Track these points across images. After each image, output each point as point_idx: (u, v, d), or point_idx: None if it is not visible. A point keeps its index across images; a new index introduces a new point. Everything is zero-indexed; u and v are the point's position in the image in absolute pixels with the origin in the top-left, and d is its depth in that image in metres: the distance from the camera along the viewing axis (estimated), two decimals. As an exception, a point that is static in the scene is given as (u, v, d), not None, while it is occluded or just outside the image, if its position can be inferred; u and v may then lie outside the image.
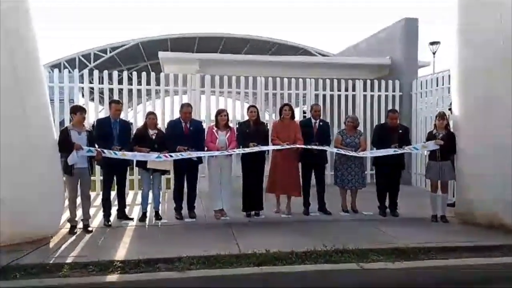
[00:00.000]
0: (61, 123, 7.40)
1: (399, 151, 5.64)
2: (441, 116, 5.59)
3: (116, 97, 7.79)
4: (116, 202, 5.66)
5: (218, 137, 5.55)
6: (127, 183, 7.62)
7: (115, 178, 5.59)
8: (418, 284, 3.62)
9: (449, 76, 6.56)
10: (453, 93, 5.72)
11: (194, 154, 5.35)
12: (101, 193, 5.84)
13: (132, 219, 5.58)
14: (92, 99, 9.73)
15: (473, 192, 5.21)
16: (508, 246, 4.35)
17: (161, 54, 8.78)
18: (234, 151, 5.55)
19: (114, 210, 5.60)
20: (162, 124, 7.34)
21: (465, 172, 5.36)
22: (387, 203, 5.96)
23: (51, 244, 4.40)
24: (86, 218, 5.06)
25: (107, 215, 5.37)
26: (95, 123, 5.75)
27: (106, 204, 5.41)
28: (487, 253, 4.20)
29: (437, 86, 8.14)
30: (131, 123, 8.21)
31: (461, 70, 5.46)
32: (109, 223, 5.28)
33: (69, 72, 7.80)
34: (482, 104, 5.10)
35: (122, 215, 5.59)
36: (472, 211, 5.24)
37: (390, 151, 5.64)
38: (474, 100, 5.23)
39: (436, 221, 5.52)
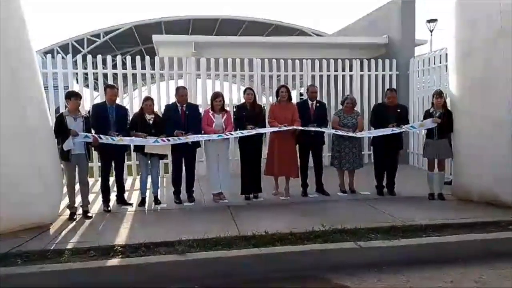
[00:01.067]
0: (57, 110, 7.34)
1: (397, 130, 5.63)
2: (438, 94, 5.56)
3: (110, 82, 7.73)
4: (115, 188, 5.66)
5: (214, 121, 5.53)
6: (126, 168, 7.66)
7: (113, 163, 5.59)
8: (416, 261, 3.67)
9: (446, 54, 6.51)
10: (450, 71, 5.68)
11: (191, 138, 5.34)
12: (99, 179, 5.85)
13: (131, 204, 5.60)
14: (87, 85, 9.64)
15: (470, 170, 5.24)
16: (505, 222, 4.40)
17: (155, 37, 8.65)
18: (231, 134, 5.54)
19: (113, 196, 5.62)
20: (158, 108, 7.30)
21: (462, 150, 5.39)
22: (384, 182, 6.00)
23: (51, 231, 4.43)
24: (85, 204, 5.09)
25: (106, 200, 5.39)
26: (91, 109, 5.70)
27: (105, 190, 5.42)
28: (484, 229, 4.25)
29: (434, 64, 8.08)
30: (127, 109, 8.19)
31: (458, 48, 5.41)
32: (109, 208, 5.31)
33: (63, 58, 7.69)
34: (479, 82, 5.07)
35: (121, 200, 5.60)
36: (469, 189, 5.28)
37: (387, 131, 5.64)
38: (471, 78, 5.20)
39: (433, 199, 5.57)
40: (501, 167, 4.90)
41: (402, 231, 4.17)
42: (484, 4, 4.99)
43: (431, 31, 17.43)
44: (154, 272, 3.45)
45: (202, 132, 5.53)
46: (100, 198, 5.55)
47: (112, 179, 5.64)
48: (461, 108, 5.37)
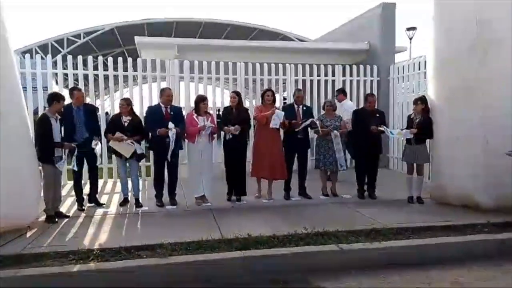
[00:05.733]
0: (35, 111, 7.17)
1: (379, 129, 5.75)
2: (417, 100, 5.72)
3: (91, 83, 7.61)
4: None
5: (198, 123, 5.51)
6: (106, 170, 7.55)
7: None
8: (396, 263, 3.74)
9: (425, 62, 6.69)
10: (429, 78, 5.84)
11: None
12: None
13: (103, 204, 5.59)
14: (67, 86, 9.44)
15: (447, 174, 5.38)
16: (481, 224, 4.53)
17: (137, 38, 8.57)
18: (211, 125, 5.54)
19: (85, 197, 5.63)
20: (140, 111, 7.22)
21: (440, 155, 5.53)
22: (365, 186, 6.09)
23: (28, 234, 4.31)
24: (57, 205, 5.07)
25: (80, 200, 5.43)
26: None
27: (78, 190, 5.46)
28: (461, 231, 4.37)
29: (413, 71, 8.28)
30: (107, 112, 8.07)
31: (436, 56, 5.57)
32: (83, 207, 5.38)
33: (42, 58, 7.52)
34: (455, 89, 5.22)
35: (93, 200, 5.60)
36: (447, 192, 5.42)
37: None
38: (448, 85, 5.36)
39: (412, 203, 5.70)
40: (476, 172, 5.05)
41: (383, 233, 4.25)
42: (462, 13, 5.15)
43: (410, 39, 17.85)
44: (135, 276, 3.39)
45: (185, 135, 5.53)
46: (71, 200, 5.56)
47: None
48: (439, 113, 5.50)
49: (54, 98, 4.89)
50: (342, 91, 7.80)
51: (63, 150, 4.88)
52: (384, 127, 5.85)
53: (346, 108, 7.26)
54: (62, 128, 5.01)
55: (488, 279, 3.48)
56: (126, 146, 5.43)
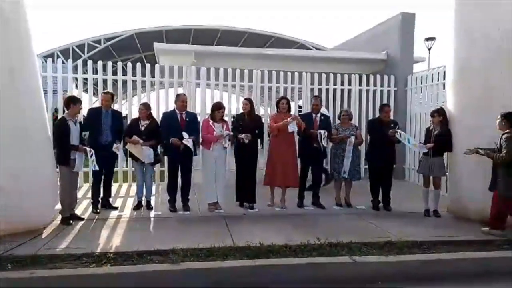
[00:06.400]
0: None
1: (396, 132, 5.68)
2: (435, 112, 5.61)
3: (110, 88, 7.74)
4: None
5: (214, 129, 5.54)
6: (122, 174, 7.65)
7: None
8: (411, 277, 3.65)
9: (444, 72, 6.58)
10: (448, 89, 5.73)
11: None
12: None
13: (116, 208, 5.68)
14: (86, 90, 9.64)
15: (466, 188, 5.25)
16: (500, 241, 4.41)
17: (156, 45, 8.69)
18: (230, 133, 5.57)
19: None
20: (157, 116, 7.30)
21: (459, 168, 5.40)
22: (380, 197, 6.00)
23: (44, 235, 4.38)
24: (73, 207, 5.14)
25: (95, 203, 5.51)
26: (87, 112, 5.80)
27: (94, 193, 5.55)
28: (480, 247, 4.24)
29: (432, 82, 8.15)
30: (125, 116, 8.20)
31: (456, 66, 5.47)
32: (98, 210, 5.44)
33: (63, 62, 7.70)
34: (476, 100, 5.12)
35: (107, 204, 5.68)
36: (465, 206, 5.29)
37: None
38: (469, 96, 5.25)
39: (429, 216, 5.57)
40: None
41: (397, 247, 4.16)
42: (483, 23, 5.06)
43: (429, 49, 17.63)
44: (147, 281, 3.40)
45: (201, 140, 5.58)
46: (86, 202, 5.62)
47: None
48: (458, 124, 5.40)
49: (71, 101, 4.99)
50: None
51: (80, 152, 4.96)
52: (402, 132, 5.76)
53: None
54: (81, 131, 5.11)
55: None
56: (142, 151, 5.51)
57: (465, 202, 5.28)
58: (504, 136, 4.53)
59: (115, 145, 5.44)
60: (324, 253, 3.92)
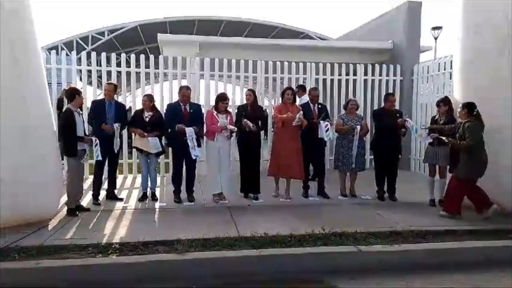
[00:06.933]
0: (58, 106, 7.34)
1: (406, 119, 5.71)
2: (441, 101, 5.55)
3: (114, 80, 7.73)
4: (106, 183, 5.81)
5: (219, 120, 5.52)
6: (127, 166, 7.69)
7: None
8: (417, 266, 3.64)
9: (451, 61, 6.49)
10: (455, 78, 5.66)
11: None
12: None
13: (122, 199, 5.69)
14: (90, 83, 9.64)
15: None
16: (506, 230, 4.37)
17: (160, 36, 8.65)
18: (234, 128, 5.52)
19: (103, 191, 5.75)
20: (161, 108, 7.29)
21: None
22: (385, 187, 5.97)
23: (50, 226, 4.41)
24: (79, 198, 5.16)
25: (96, 195, 5.51)
26: (91, 104, 5.83)
27: (96, 183, 5.56)
28: (485, 236, 4.22)
29: (438, 71, 8.05)
30: (129, 108, 8.20)
31: (464, 55, 5.40)
32: (98, 202, 5.44)
33: (67, 54, 7.69)
34: (483, 90, 5.04)
35: (112, 195, 5.70)
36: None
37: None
38: (476, 86, 5.18)
39: (434, 206, 5.53)
40: (503, 175, 4.86)
41: (403, 236, 4.15)
42: (491, 11, 4.98)
43: (435, 38, 17.39)
44: (153, 271, 3.42)
45: (205, 131, 5.58)
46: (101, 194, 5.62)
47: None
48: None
49: (75, 92, 4.99)
50: (301, 87, 7.61)
51: (86, 143, 4.98)
52: (410, 120, 5.74)
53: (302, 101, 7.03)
54: (86, 122, 5.16)
55: (510, 285, 3.34)
56: (148, 142, 5.52)
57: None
58: (466, 125, 4.79)
59: (116, 124, 5.39)
60: (329, 243, 3.92)
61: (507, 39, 4.84)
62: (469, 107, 4.85)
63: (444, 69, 7.83)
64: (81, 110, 5.20)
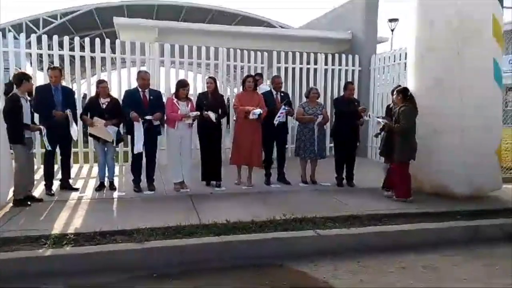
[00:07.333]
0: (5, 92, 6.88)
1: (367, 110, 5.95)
2: (393, 90, 5.76)
3: (67, 65, 7.35)
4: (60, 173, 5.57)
5: (179, 108, 5.41)
6: (82, 156, 7.38)
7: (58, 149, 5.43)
8: (372, 248, 3.81)
9: (406, 53, 6.75)
10: (409, 69, 5.90)
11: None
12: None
13: (77, 189, 5.48)
14: (41, 69, 9.10)
15: (422, 163, 5.46)
16: (455, 212, 4.65)
17: (116, 19, 8.31)
18: (197, 113, 5.44)
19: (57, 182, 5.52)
20: (119, 95, 7.02)
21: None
22: (344, 174, 6.16)
23: (-1, 218, 4.16)
24: (31, 188, 4.92)
25: (49, 185, 5.26)
26: (34, 90, 5.40)
27: (48, 175, 5.30)
28: (436, 218, 4.47)
29: (394, 62, 8.34)
30: (84, 94, 7.84)
31: (417, 47, 5.62)
32: (52, 192, 5.20)
33: (15, 37, 7.18)
34: (434, 80, 5.29)
35: (66, 185, 5.48)
36: (421, 180, 5.52)
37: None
38: (428, 76, 5.43)
39: (388, 191, 5.76)
40: (450, 161, 5.17)
41: (359, 220, 4.31)
42: (443, 5, 5.20)
43: (392, 30, 18.00)
44: (110, 261, 3.33)
45: (166, 119, 5.45)
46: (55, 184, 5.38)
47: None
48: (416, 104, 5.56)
49: (23, 77, 4.69)
50: (261, 75, 7.74)
51: (32, 132, 4.73)
52: (371, 113, 5.93)
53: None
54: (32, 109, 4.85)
55: (459, 263, 3.59)
56: (105, 131, 5.32)
57: (421, 176, 5.50)
58: (401, 109, 5.09)
59: (67, 110, 5.09)
60: (289, 228, 3.99)
61: (456, 32, 5.08)
62: (404, 92, 5.16)
63: (400, 60, 8.13)
64: (30, 96, 4.89)
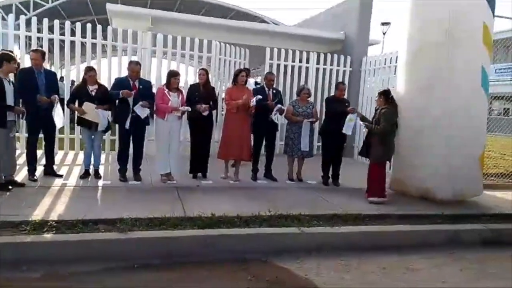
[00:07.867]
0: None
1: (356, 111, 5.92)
2: (380, 94, 5.81)
3: (57, 50, 7.21)
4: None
5: (170, 99, 5.37)
6: (68, 142, 7.27)
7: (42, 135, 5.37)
8: (355, 247, 3.86)
9: (397, 57, 6.81)
10: (399, 71, 5.95)
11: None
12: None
13: (61, 176, 5.41)
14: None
15: (407, 166, 5.54)
16: (436, 215, 4.74)
17: (109, 6, 8.16)
18: (188, 109, 5.44)
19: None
20: (108, 83, 6.92)
21: (402, 147, 5.64)
22: (330, 173, 6.20)
23: (-22, 203, 4.08)
24: (13, 172, 4.83)
25: (32, 170, 5.16)
26: (17, 74, 5.24)
27: (31, 158, 5.20)
28: (417, 221, 4.54)
29: (385, 64, 8.40)
30: (72, 81, 7.71)
31: (408, 48, 5.66)
32: (35, 178, 5.11)
33: (3, 18, 7.01)
34: (423, 82, 5.33)
35: (50, 171, 5.40)
36: (406, 183, 5.59)
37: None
38: (417, 78, 5.46)
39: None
40: (434, 164, 5.24)
41: (343, 219, 4.35)
42: (436, 8, 5.25)
43: (384, 33, 18.17)
44: (92, 250, 3.30)
45: (155, 109, 5.40)
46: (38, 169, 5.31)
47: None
48: (404, 106, 5.61)
49: (5, 58, 4.54)
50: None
51: (15, 114, 4.62)
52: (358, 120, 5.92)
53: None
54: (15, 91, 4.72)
55: (439, 265, 3.66)
56: (96, 114, 5.22)
57: (405, 179, 5.58)
58: (382, 111, 5.22)
59: (53, 97, 5.01)
60: (274, 224, 4.02)
61: (447, 33, 5.13)
62: (385, 94, 5.29)
63: (390, 63, 8.19)
64: (14, 78, 4.77)
